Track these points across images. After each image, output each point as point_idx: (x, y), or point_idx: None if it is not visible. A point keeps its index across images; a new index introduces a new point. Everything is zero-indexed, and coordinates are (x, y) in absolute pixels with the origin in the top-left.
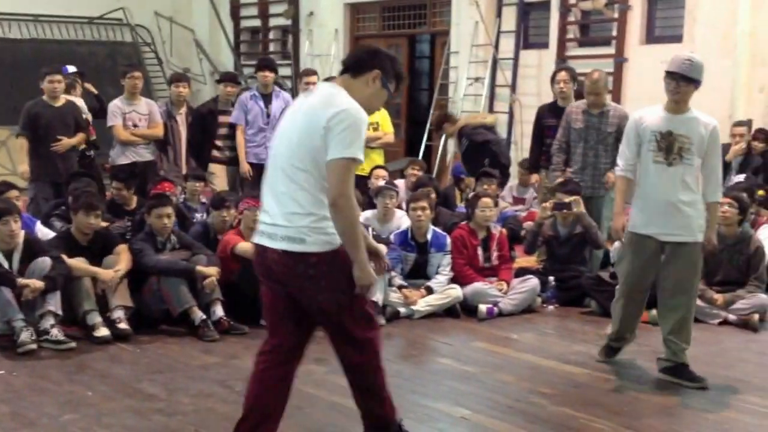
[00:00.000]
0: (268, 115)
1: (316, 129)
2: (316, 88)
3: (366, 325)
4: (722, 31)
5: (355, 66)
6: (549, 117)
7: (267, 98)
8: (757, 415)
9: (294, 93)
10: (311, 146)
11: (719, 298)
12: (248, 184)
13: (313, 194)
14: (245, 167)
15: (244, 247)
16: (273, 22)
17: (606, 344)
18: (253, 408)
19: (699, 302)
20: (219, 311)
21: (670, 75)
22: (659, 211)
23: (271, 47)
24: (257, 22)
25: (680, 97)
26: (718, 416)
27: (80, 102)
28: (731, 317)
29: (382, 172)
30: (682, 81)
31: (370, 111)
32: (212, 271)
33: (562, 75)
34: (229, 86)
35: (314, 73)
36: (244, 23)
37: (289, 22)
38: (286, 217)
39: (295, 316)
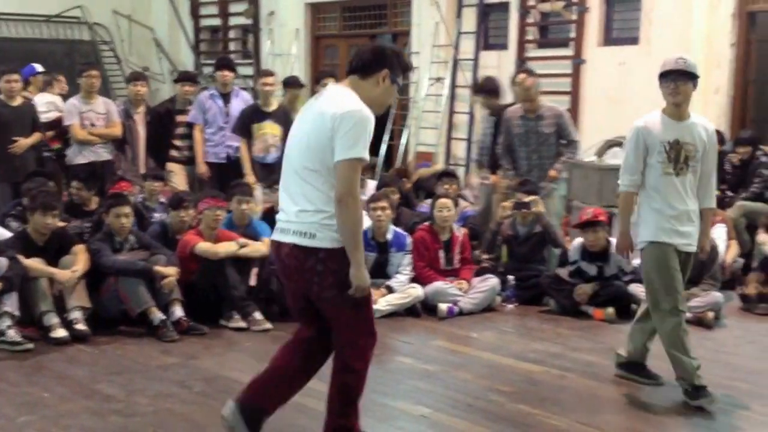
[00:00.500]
0: (227, 114)
1: (323, 131)
2: (326, 91)
3: (366, 330)
4: (678, 33)
5: (363, 68)
6: None
7: (226, 97)
8: (713, 412)
9: (255, 93)
10: (320, 147)
11: None
12: (207, 184)
13: (325, 192)
14: (203, 168)
15: (203, 247)
16: (233, 21)
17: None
18: (261, 378)
19: None
20: (178, 311)
21: (667, 75)
22: (675, 222)
23: (232, 46)
24: (217, 21)
25: (681, 99)
26: (671, 411)
27: (59, 100)
28: (687, 315)
29: None
30: (680, 79)
31: (381, 108)
32: (171, 271)
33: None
34: (187, 85)
35: (272, 74)
36: (204, 22)
37: (249, 21)
38: (297, 214)
39: (307, 309)
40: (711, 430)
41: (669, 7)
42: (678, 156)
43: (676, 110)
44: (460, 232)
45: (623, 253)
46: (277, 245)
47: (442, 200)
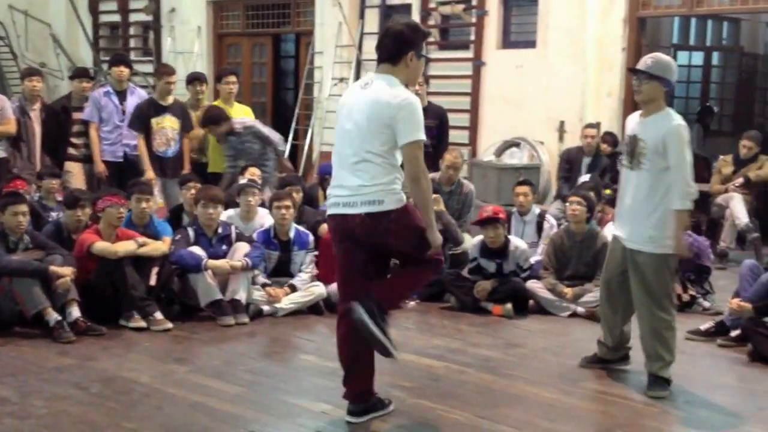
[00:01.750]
0: (123, 113)
1: (382, 118)
2: (370, 81)
3: (432, 251)
4: (572, 37)
5: (391, 57)
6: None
7: (122, 95)
8: (598, 401)
9: (155, 90)
10: (379, 132)
11: (569, 291)
12: (105, 183)
13: (384, 167)
14: (100, 166)
15: (101, 246)
16: (133, 17)
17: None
18: (354, 362)
19: (550, 296)
20: (75, 312)
21: (633, 73)
22: (625, 217)
23: (132, 43)
24: (117, 17)
25: (643, 97)
26: (565, 404)
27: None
28: (580, 310)
29: (256, 171)
30: (644, 77)
31: (414, 81)
32: (66, 271)
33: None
34: (84, 82)
35: (173, 72)
36: (104, 18)
37: (149, 18)
38: (359, 188)
39: (367, 271)
40: (607, 418)
41: (564, 13)
42: (633, 151)
43: (642, 107)
44: None
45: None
46: (341, 218)
47: None
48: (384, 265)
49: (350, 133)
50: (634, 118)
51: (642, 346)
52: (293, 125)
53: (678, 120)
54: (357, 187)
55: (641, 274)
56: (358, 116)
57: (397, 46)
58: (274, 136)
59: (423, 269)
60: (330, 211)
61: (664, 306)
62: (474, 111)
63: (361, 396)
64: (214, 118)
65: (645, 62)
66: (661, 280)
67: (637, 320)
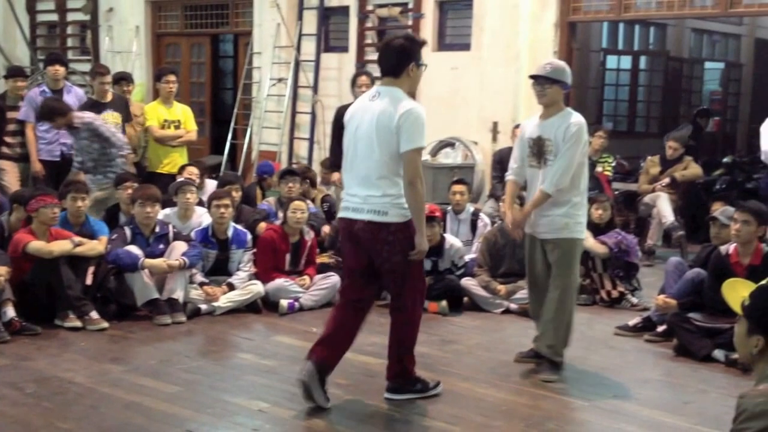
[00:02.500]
0: None
1: (389, 128)
2: (378, 94)
3: (419, 287)
4: (506, 41)
5: (394, 70)
6: None
7: (58, 94)
8: (530, 395)
9: (93, 89)
10: (387, 142)
11: (502, 288)
12: (41, 182)
13: (391, 179)
14: (37, 166)
15: (36, 245)
16: (71, 16)
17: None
18: (333, 335)
19: (484, 293)
20: (10, 312)
21: (534, 79)
22: (538, 212)
23: (70, 42)
24: (55, 17)
25: (546, 100)
26: (497, 399)
27: None
28: (513, 306)
29: (194, 170)
30: (546, 82)
31: (416, 87)
32: (1, 271)
33: (363, 79)
34: (19, 81)
35: (108, 71)
36: (41, 17)
37: (87, 17)
38: (367, 198)
39: (368, 273)
40: (538, 411)
41: (498, 17)
42: (540, 151)
43: (544, 110)
44: (310, 237)
45: (508, 226)
46: (349, 221)
47: (297, 202)
48: (375, 278)
49: (360, 144)
50: (532, 122)
51: (541, 330)
52: (232, 125)
53: (579, 117)
54: (366, 197)
55: (557, 261)
56: (367, 127)
57: (399, 60)
58: (117, 138)
59: (411, 311)
60: (340, 214)
61: (571, 293)
62: None
63: (324, 368)
64: (46, 112)
65: (544, 68)
66: (574, 266)
67: (546, 304)
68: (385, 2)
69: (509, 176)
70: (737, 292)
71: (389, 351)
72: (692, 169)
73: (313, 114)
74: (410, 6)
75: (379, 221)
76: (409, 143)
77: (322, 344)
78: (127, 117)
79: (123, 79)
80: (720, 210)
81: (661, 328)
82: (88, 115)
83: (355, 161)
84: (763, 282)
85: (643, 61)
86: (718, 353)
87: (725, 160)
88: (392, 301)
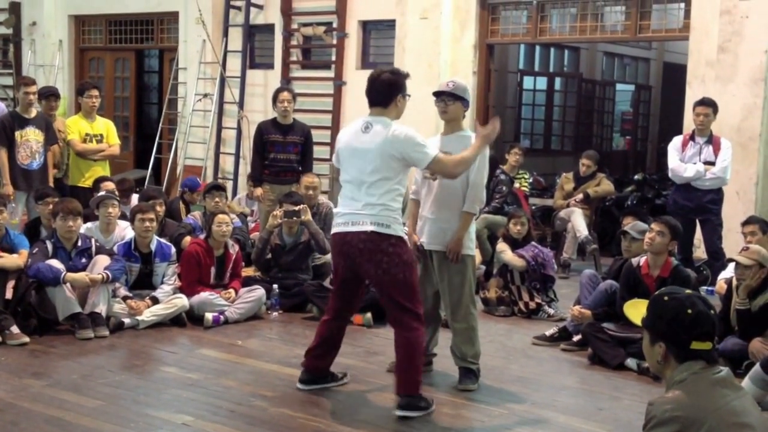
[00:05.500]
0: None
1: (388, 152)
2: (370, 124)
3: (416, 301)
4: (427, 60)
5: (383, 101)
6: (271, 132)
7: None
8: (450, 405)
9: (15, 103)
10: (386, 163)
11: None
12: None
13: (391, 192)
14: None
15: None
16: None
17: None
18: (320, 345)
19: None
20: None
21: (437, 96)
22: (432, 225)
23: None
24: None
25: (449, 116)
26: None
27: None
28: None
29: (110, 185)
30: (449, 99)
31: (401, 115)
32: None
33: (285, 95)
34: None
35: (33, 83)
36: None
37: (9, 31)
38: (364, 207)
39: (351, 287)
40: (458, 420)
41: (419, 37)
42: None
43: (446, 126)
44: (234, 250)
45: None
46: (344, 234)
47: (221, 215)
48: (359, 292)
49: (353, 168)
50: (436, 138)
51: (454, 343)
52: (157, 139)
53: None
54: (360, 206)
55: (459, 274)
56: (369, 156)
57: (389, 92)
58: None
59: (411, 334)
60: (336, 229)
61: (473, 302)
62: (335, 128)
63: (315, 370)
64: None
65: (448, 86)
66: (472, 278)
67: (450, 319)
68: (310, 21)
69: (412, 196)
70: (638, 309)
71: (396, 366)
72: (604, 186)
73: (239, 129)
74: (334, 25)
75: (382, 232)
76: (425, 158)
77: (313, 355)
78: (48, 137)
79: (52, 94)
80: (631, 225)
81: (576, 338)
82: None
83: (351, 182)
84: (656, 293)
85: (558, 83)
86: (631, 362)
87: (636, 177)
88: (393, 321)
